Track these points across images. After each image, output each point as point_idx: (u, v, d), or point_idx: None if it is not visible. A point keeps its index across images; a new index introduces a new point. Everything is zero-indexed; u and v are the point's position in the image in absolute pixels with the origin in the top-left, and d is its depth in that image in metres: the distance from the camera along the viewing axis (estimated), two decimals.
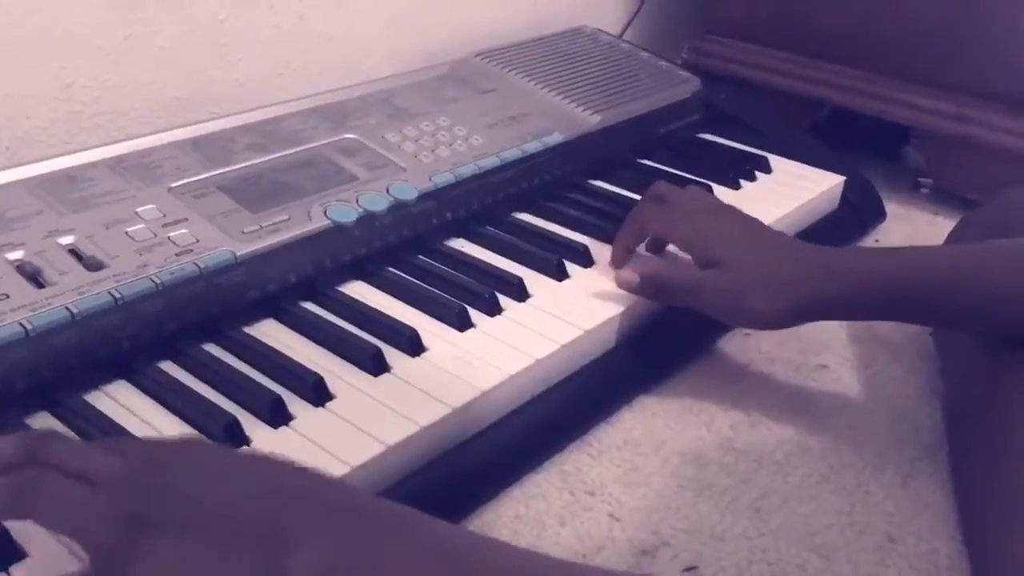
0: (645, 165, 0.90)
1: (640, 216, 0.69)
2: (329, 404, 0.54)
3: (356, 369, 0.58)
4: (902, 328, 0.74)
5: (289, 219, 0.65)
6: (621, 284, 0.67)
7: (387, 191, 0.71)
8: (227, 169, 0.69)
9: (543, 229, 0.76)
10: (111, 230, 0.60)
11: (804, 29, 1.08)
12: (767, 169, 0.91)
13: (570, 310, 0.65)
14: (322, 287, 0.65)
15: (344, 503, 0.38)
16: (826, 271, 0.60)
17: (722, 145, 0.97)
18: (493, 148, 0.80)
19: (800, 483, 0.59)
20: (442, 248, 0.72)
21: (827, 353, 0.72)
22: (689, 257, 0.66)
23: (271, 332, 0.61)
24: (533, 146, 0.82)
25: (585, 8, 1.19)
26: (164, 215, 0.63)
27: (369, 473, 0.50)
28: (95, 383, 0.55)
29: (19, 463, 0.39)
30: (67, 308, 0.54)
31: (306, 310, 0.63)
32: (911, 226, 0.95)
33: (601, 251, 0.72)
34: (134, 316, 0.56)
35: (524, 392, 0.60)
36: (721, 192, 0.85)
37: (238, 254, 0.61)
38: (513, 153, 0.80)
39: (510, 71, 0.92)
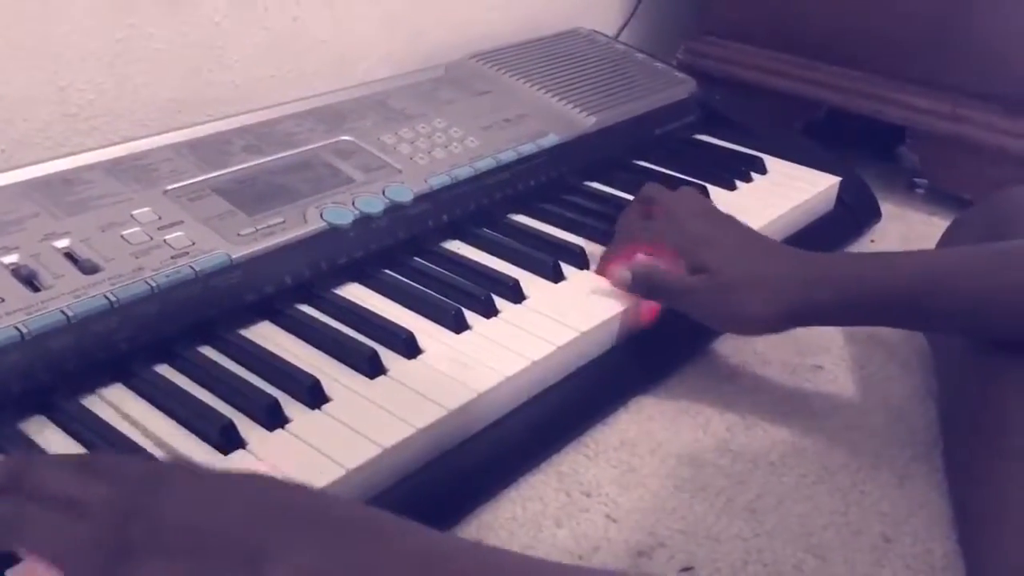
0: (641, 166, 0.91)
1: (629, 227, 0.69)
2: (325, 407, 0.54)
3: (352, 371, 0.58)
4: (897, 329, 0.74)
5: (285, 221, 0.65)
6: (615, 281, 0.67)
7: (383, 193, 0.71)
8: (223, 172, 0.69)
9: (539, 231, 0.76)
10: (107, 233, 0.60)
11: (800, 30, 1.08)
12: (762, 170, 0.91)
13: (566, 312, 0.65)
14: (318, 289, 0.65)
15: (325, 514, 0.37)
16: (815, 277, 0.60)
17: (718, 146, 0.97)
18: (489, 150, 0.80)
19: (796, 484, 0.59)
20: (438, 250, 0.72)
21: (823, 354, 0.72)
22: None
23: (267, 334, 0.61)
24: (529, 148, 0.82)
25: (581, 9, 1.19)
26: (160, 218, 0.63)
27: (365, 475, 0.50)
28: (91, 386, 0.55)
29: (1, 490, 0.39)
30: (62, 311, 0.54)
31: (302, 312, 0.63)
32: (906, 226, 0.95)
33: (597, 253, 0.72)
34: (130, 319, 0.56)
35: (520, 394, 0.60)
36: (716, 193, 0.85)
37: (234, 257, 0.61)
38: (509, 155, 0.80)
39: (506, 73, 0.92)
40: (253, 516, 0.37)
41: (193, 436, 0.51)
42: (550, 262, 0.70)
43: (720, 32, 1.15)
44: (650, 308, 0.67)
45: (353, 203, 0.69)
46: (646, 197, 0.70)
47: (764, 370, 0.70)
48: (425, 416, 0.54)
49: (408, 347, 0.60)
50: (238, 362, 0.58)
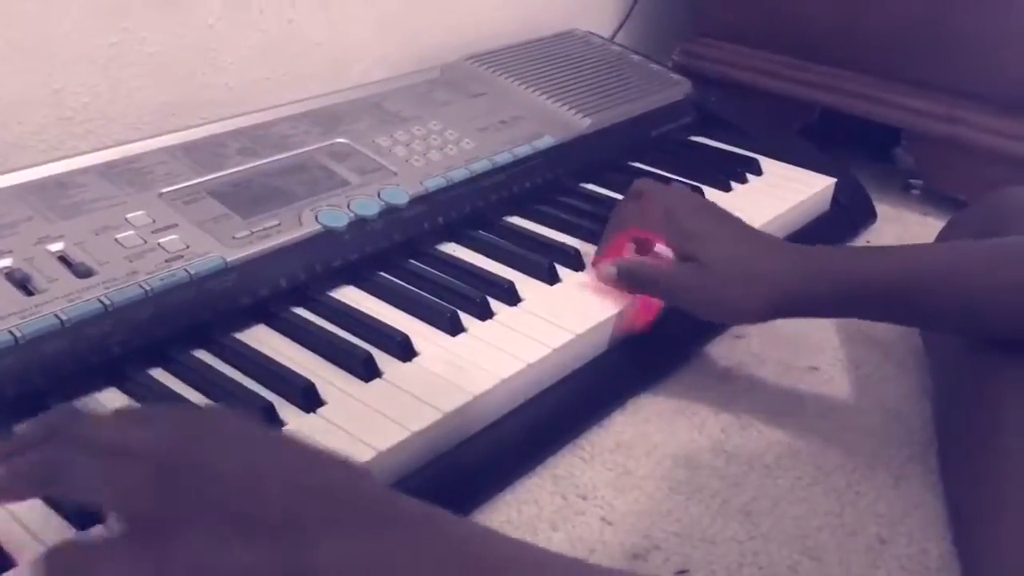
0: (636, 168, 0.90)
1: (621, 215, 0.69)
2: (320, 410, 0.54)
3: (347, 374, 0.58)
4: (893, 328, 0.74)
5: (280, 224, 0.65)
6: (601, 277, 0.67)
7: (378, 196, 0.71)
8: (217, 175, 0.69)
9: (534, 233, 0.76)
10: (101, 236, 0.60)
11: (795, 31, 1.08)
12: (758, 171, 0.91)
13: (561, 314, 0.65)
14: (313, 292, 0.65)
15: (373, 500, 0.37)
16: (806, 267, 0.60)
17: (713, 147, 0.97)
18: (484, 152, 0.80)
19: (791, 485, 0.59)
20: (433, 252, 0.72)
21: (818, 355, 0.72)
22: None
23: (262, 338, 0.61)
24: (524, 150, 0.82)
25: (576, 11, 1.19)
26: (154, 221, 0.63)
27: None
28: (85, 390, 0.54)
29: (46, 438, 0.39)
30: (56, 315, 0.54)
31: (297, 315, 0.63)
32: (902, 227, 0.95)
33: (592, 254, 0.72)
34: (124, 323, 0.56)
35: (516, 396, 0.60)
36: (712, 194, 0.85)
37: (228, 260, 0.61)
38: (504, 157, 0.80)
39: (501, 74, 0.92)
40: (300, 486, 0.37)
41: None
42: (545, 264, 0.70)
43: (716, 34, 1.15)
44: (646, 311, 0.67)
45: (348, 205, 0.69)
46: (637, 191, 0.70)
47: (759, 371, 0.70)
48: (420, 419, 0.54)
49: (403, 350, 0.60)
50: (232, 365, 0.58)
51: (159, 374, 0.57)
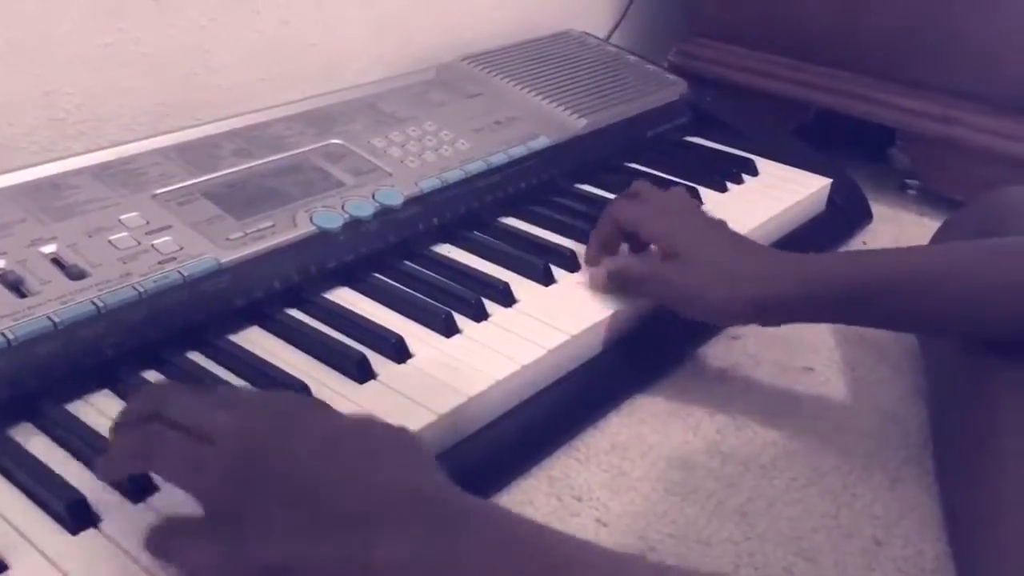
0: (632, 168, 0.90)
1: (613, 209, 0.70)
2: None
3: (341, 376, 0.57)
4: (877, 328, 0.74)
5: (274, 226, 0.65)
6: (592, 283, 0.68)
7: (373, 197, 0.71)
8: (211, 176, 0.69)
9: (530, 234, 0.76)
10: (94, 238, 0.60)
11: (791, 32, 1.08)
12: (753, 171, 0.91)
13: (557, 315, 0.65)
14: (307, 294, 0.65)
15: (440, 498, 0.39)
16: (786, 270, 0.61)
17: (708, 148, 0.97)
18: (480, 152, 0.79)
19: (786, 486, 0.59)
20: (428, 253, 0.72)
21: (813, 355, 0.72)
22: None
23: (256, 340, 0.61)
24: (520, 150, 0.82)
25: (572, 11, 1.19)
26: (148, 223, 0.62)
27: None
28: (78, 393, 0.54)
29: (144, 418, 0.42)
30: (49, 318, 0.53)
31: (291, 317, 0.63)
32: (898, 227, 0.95)
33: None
34: (117, 325, 0.55)
35: (511, 398, 0.60)
36: (707, 195, 0.85)
37: (222, 261, 0.61)
38: (500, 157, 0.80)
39: (496, 75, 0.92)
40: (370, 480, 0.39)
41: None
42: (540, 265, 0.69)
43: (711, 34, 1.15)
44: None
45: (343, 207, 0.69)
46: (634, 192, 0.70)
47: (755, 372, 0.70)
48: (415, 421, 0.54)
49: (398, 351, 0.59)
50: (226, 367, 0.57)
51: (152, 376, 0.56)
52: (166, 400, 0.43)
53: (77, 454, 0.50)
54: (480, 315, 0.64)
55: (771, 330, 0.66)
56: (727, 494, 0.58)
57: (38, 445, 0.50)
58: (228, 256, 0.61)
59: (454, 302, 0.64)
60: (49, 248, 0.59)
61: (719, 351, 0.72)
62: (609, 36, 1.22)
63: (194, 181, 0.68)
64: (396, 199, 0.71)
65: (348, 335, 0.61)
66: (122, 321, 0.56)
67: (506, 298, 0.66)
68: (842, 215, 0.92)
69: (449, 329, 0.62)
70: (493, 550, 0.37)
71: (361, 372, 0.57)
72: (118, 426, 0.44)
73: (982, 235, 0.64)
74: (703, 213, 0.69)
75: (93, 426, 0.51)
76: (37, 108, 0.76)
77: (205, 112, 0.84)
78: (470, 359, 0.60)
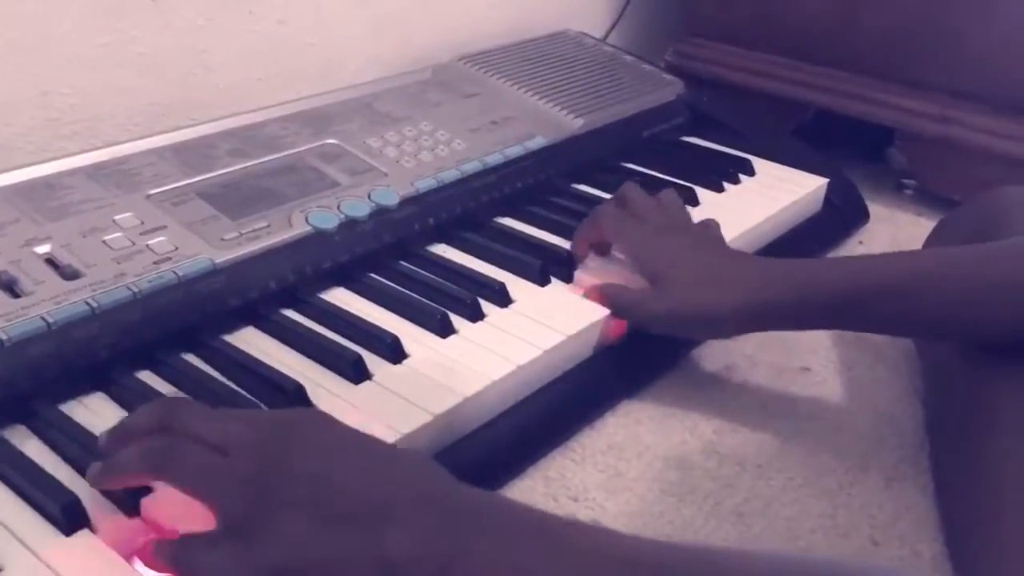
0: (628, 168, 0.90)
1: (599, 218, 0.70)
2: None
3: (337, 377, 0.57)
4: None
5: (269, 226, 0.65)
6: (585, 294, 0.68)
7: (369, 197, 0.70)
8: (207, 176, 0.68)
9: (526, 234, 0.76)
10: (88, 238, 0.60)
11: (788, 32, 1.08)
12: (750, 172, 0.91)
13: (553, 315, 0.64)
14: (303, 294, 0.64)
15: (448, 493, 0.40)
16: (774, 278, 0.61)
17: (705, 148, 0.97)
18: (476, 153, 0.79)
19: (783, 487, 0.59)
20: (424, 254, 0.71)
21: (810, 356, 0.72)
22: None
23: (251, 340, 0.60)
24: (516, 150, 0.81)
25: (569, 12, 1.19)
26: (142, 223, 0.62)
27: None
28: (72, 394, 0.54)
29: (157, 428, 0.44)
30: (43, 318, 0.53)
31: (287, 317, 0.62)
32: (895, 227, 0.95)
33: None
34: (111, 325, 0.55)
35: (507, 398, 0.60)
36: (704, 195, 0.85)
37: (217, 262, 0.61)
38: (496, 158, 0.80)
39: (493, 75, 0.92)
40: (381, 480, 0.40)
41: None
42: (536, 265, 0.69)
43: (708, 34, 1.15)
44: (618, 324, 0.67)
45: (338, 207, 0.68)
46: (622, 197, 0.70)
47: (751, 372, 0.70)
48: (410, 421, 0.54)
49: (393, 352, 0.59)
50: (221, 369, 0.57)
51: (146, 377, 0.56)
52: (178, 413, 0.44)
53: (71, 455, 0.50)
54: (476, 315, 0.64)
55: (768, 331, 0.66)
56: (724, 494, 0.58)
57: (31, 446, 0.50)
58: (223, 256, 0.61)
59: (450, 302, 0.64)
60: (43, 248, 0.58)
61: (716, 352, 0.71)
62: (606, 36, 1.22)
63: (189, 181, 0.67)
64: (392, 199, 0.71)
65: (344, 335, 0.61)
66: (116, 321, 0.56)
67: (502, 298, 0.66)
68: (839, 215, 0.92)
69: (445, 329, 0.62)
70: (505, 541, 0.37)
71: (357, 372, 0.57)
72: (124, 435, 0.45)
73: (977, 235, 0.64)
74: (691, 225, 0.68)
75: (87, 427, 0.51)
76: (33, 108, 0.76)
77: (202, 112, 0.83)
78: (466, 359, 0.59)
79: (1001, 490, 0.51)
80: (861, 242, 0.92)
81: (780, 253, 0.72)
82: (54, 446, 0.50)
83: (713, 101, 1.02)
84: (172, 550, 0.42)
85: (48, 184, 0.64)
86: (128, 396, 0.54)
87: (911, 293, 0.58)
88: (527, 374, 0.60)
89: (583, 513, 0.55)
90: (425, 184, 0.74)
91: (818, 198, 0.90)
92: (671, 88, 1.00)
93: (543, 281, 0.69)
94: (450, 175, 0.76)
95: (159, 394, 0.54)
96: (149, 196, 0.65)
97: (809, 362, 0.71)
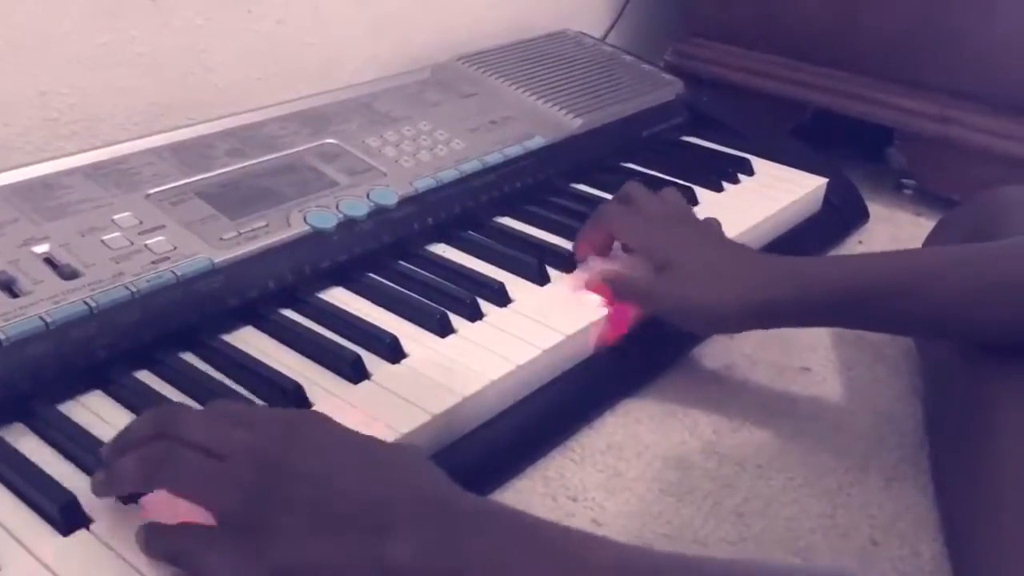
0: (628, 168, 0.90)
1: (603, 216, 0.70)
2: None
3: (336, 376, 0.57)
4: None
5: (268, 225, 0.65)
6: (588, 287, 0.67)
7: (367, 196, 0.70)
8: (205, 175, 0.68)
9: (525, 233, 0.76)
10: (87, 238, 0.60)
11: (787, 32, 1.08)
12: (749, 171, 0.91)
13: (552, 315, 0.64)
14: (302, 294, 0.64)
15: (449, 501, 0.40)
16: (777, 275, 0.61)
17: (704, 148, 0.97)
18: (475, 152, 0.79)
19: (783, 487, 0.59)
20: (423, 253, 0.71)
21: (810, 356, 0.72)
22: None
23: (250, 340, 0.60)
24: (515, 150, 0.81)
25: (568, 11, 1.19)
26: (141, 222, 0.62)
27: None
28: (70, 393, 0.54)
29: (151, 436, 0.44)
30: (41, 318, 0.53)
31: (285, 317, 0.62)
32: (894, 227, 0.95)
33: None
34: (110, 325, 0.55)
35: (506, 398, 0.60)
36: (703, 195, 0.85)
37: (216, 261, 0.61)
38: (495, 157, 0.80)
39: (492, 75, 0.92)
40: (383, 485, 0.40)
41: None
42: (535, 265, 0.69)
43: (707, 34, 1.15)
44: (618, 324, 0.66)
45: (337, 206, 0.68)
46: (625, 195, 0.70)
47: (751, 372, 0.70)
48: (409, 421, 0.54)
49: (392, 351, 0.59)
50: (219, 368, 0.57)
51: (145, 377, 0.56)
52: (176, 420, 0.44)
53: (69, 455, 0.50)
54: (475, 315, 0.64)
55: (768, 330, 0.66)
56: (723, 494, 0.58)
57: (30, 446, 0.50)
58: (222, 256, 0.61)
59: (449, 302, 0.64)
60: (42, 248, 0.58)
61: (715, 351, 0.71)
62: (605, 36, 1.22)
63: (188, 181, 0.67)
64: (391, 199, 0.71)
65: (342, 335, 0.61)
66: (115, 321, 0.55)
67: (501, 298, 0.66)
68: (838, 215, 0.92)
69: (444, 329, 0.62)
70: (504, 548, 0.37)
71: (355, 372, 0.57)
72: (123, 444, 0.44)
73: (977, 234, 0.64)
74: (694, 219, 0.69)
75: (85, 427, 0.51)
76: (32, 108, 0.76)
77: (201, 112, 0.83)
78: (465, 359, 0.59)
79: (1001, 490, 0.50)
80: (861, 242, 0.92)
81: (779, 253, 0.71)
82: (53, 446, 0.50)
83: (712, 101, 1.02)
84: (173, 539, 0.42)
85: (46, 184, 0.64)
86: (127, 396, 0.54)
87: (912, 292, 0.58)
88: (526, 374, 0.60)
89: (582, 513, 0.55)
90: (424, 184, 0.74)
91: (818, 198, 0.90)
92: (670, 88, 1.00)
93: (542, 281, 0.69)
94: (449, 175, 0.76)
95: (158, 394, 0.54)
96: (148, 196, 0.65)
97: (809, 362, 0.71)
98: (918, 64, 0.99)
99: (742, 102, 1.08)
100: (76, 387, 0.54)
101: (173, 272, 0.59)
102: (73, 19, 0.76)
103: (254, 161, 0.71)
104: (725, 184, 0.88)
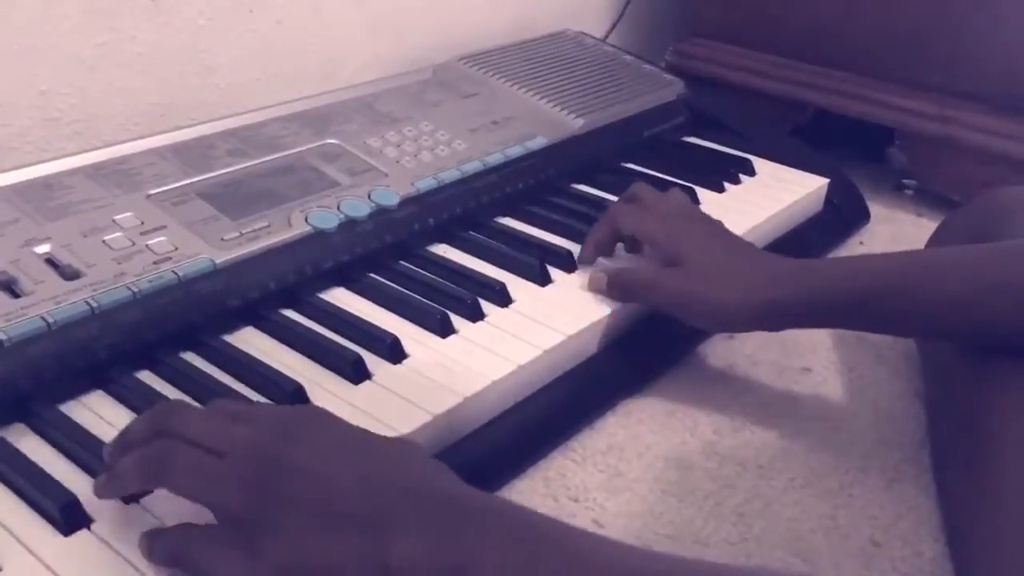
0: (629, 168, 0.90)
1: (613, 213, 0.70)
2: None
3: (337, 377, 0.57)
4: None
5: (269, 226, 0.65)
6: (592, 286, 0.67)
7: (369, 197, 0.70)
8: (207, 176, 0.68)
9: (526, 234, 0.76)
10: (88, 238, 0.60)
11: (788, 32, 1.08)
12: (751, 172, 0.91)
13: (553, 315, 0.64)
14: (303, 294, 0.64)
15: (453, 498, 0.40)
16: (782, 275, 0.61)
17: (706, 148, 0.97)
18: (476, 153, 0.79)
19: (784, 487, 0.59)
20: (424, 254, 0.71)
21: (811, 356, 0.72)
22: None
23: (251, 340, 0.60)
24: (516, 150, 0.81)
25: (569, 11, 1.19)
26: (142, 223, 0.62)
27: None
28: (71, 394, 0.54)
29: (150, 435, 0.43)
30: (43, 318, 0.53)
31: (286, 317, 0.62)
32: (895, 227, 0.95)
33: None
34: (111, 325, 0.55)
35: (507, 398, 0.60)
36: (704, 195, 0.85)
37: (217, 262, 0.61)
38: (496, 158, 0.80)
39: (493, 75, 0.92)
40: (384, 482, 0.40)
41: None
42: (536, 265, 0.69)
43: (708, 34, 1.15)
44: None
45: (338, 207, 0.68)
46: (632, 195, 0.70)
47: (752, 372, 0.70)
48: (410, 421, 0.54)
49: (393, 352, 0.59)
50: (221, 368, 0.57)
51: (146, 377, 0.56)
52: (175, 418, 0.44)
53: (70, 455, 0.50)
54: (476, 315, 0.64)
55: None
56: (724, 495, 0.58)
57: (31, 446, 0.50)
58: (223, 256, 0.61)
59: (450, 302, 0.64)
60: (43, 248, 0.58)
61: (717, 351, 0.71)
62: (606, 36, 1.22)
63: (189, 181, 0.67)
64: (392, 199, 0.71)
65: (343, 335, 0.61)
66: (116, 321, 0.55)
67: (502, 298, 0.66)
68: (839, 215, 0.92)
69: (445, 329, 0.62)
70: (508, 546, 0.37)
71: (356, 373, 0.57)
72: (123, 445, 0.44)
73: (980, 235, 0.64)
74: (704, 217, 0.69)
75: (86, 427, 0.51)
76: (32, 108, 0.76)
77: (202, 112, 0.84)
78: (466, 359, 0.59)
79: (1003, 490, 0.50)
80: (862, 242, 0.92)
81: (781, 253, 0.71)
82: (54, 446, 0.50)
83: (713, 101, 1.02)
84: (172, 541, 0.42)
85: (48, 184, 0.64)
86: (128, 396, 0.54)
87: (914, 292, 0.58)
88: (527, 374, 0.60)
89: (583, 514, 0.55)
90: (425, 184, 0.74)
91: (819, 198, 0.90)
92: (671, 88, 1.00)
93: (543, 281, 0.69)
94: (450, 175, 0.76)
95: (159, 394, 0.54)
96: (149, 196, 0.65)
97: (810, 362, 0.71)
98: (919, 64, 0.99)
99: (743, 102, 1.08)
100: (77, 387, 0.54)
101: (174, 272, 0.59)
102: (74, 19, 0.76)
103: (255, 161, 0.71)
104: (726, 184, 0.88)
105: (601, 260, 0.71)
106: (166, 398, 0.54)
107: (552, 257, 0.71)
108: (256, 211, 0.66)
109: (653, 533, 0.54)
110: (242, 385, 0.56)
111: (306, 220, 0.66)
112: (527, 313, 0.65)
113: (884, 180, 1.05)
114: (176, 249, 0.61)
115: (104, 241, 0.60)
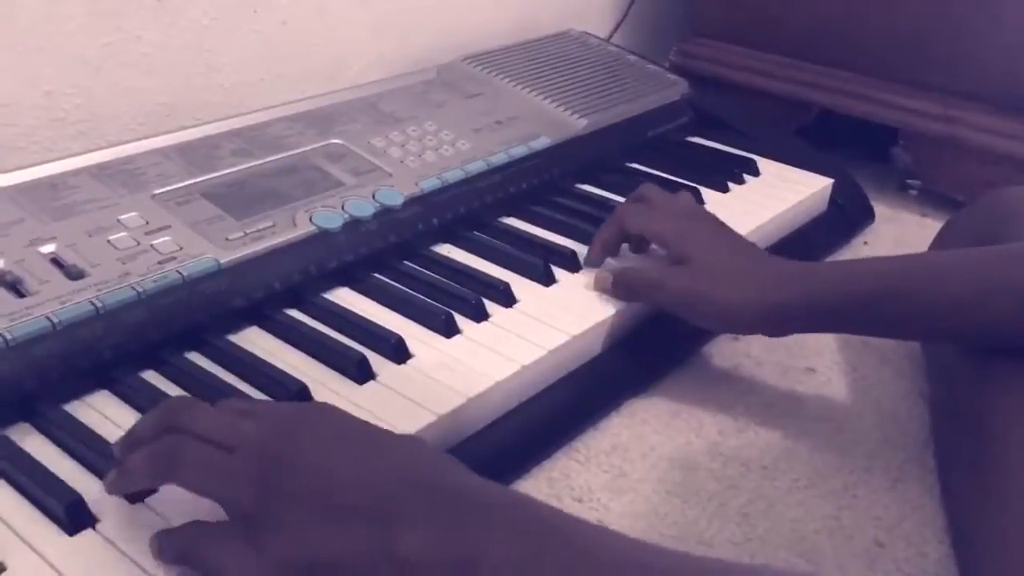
0: (633, 169, 0.90)
1: (620, 213, 0.70)
2: None
3: (341, 377, 0.57)
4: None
5: (274, 226, 0.65)
6: (597, 286, 0.67)
7: (373, 197, 0.70)
8: (211, 176, 0.69)
9: (530, 234, 0.76)
10: (93, 238, 0.60)
11: (791, 32, 1.08)
12: (755, 172, 0.91)
13: (557, 315, 0.64)
14: (307, 294, 0.64)
15: (461, 491, 0.40)
16: (787, 278, 0.61)
17: (710, 148, 0.96)
18: (480, 152, 0.79)
19: (788, 488, 0.59)
20: (429, 254, 0.71)
21: (815, 357, 0.72)
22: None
23: (255, 340, 0.60)
24: (520, 150, 0.81)
25: (573, 11, 1.19)
26: (147, 223, 0.62)
27: None
28: (76, 393, 0.54)
29: (160, 431, 0.44)
30: (47, 318, 0.53)
31: (291, 317, 0.62)
32: (900, 228, 0.95)
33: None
34: (116, 325, 0.55)
35: (511, 398, 0.60)
36: (709, 195, 0.85)
37: (222, 261, 0.61)
38: (500, 157, 0.80)
39: (497, 75, 0.92)
40: (390, 475, 0.40)
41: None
42: (541, 265, 0.69)
43: (712, 34, 1.15)
44: None
45: (343, 207, 0.68)
46: (640, 195, 0.70)
47: (757, 373, 0.70)
48: (414, 421, 0.54)
49: (398, 352, 0.59)
50: (225, 368, 0.57)
51: (151, 377, 0.56)
52: (184, 414, 0.44)
53: (75, 455, 0.50)
54: (480, 315, 0.64)
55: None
56: (728, 495, 0.58)
57: (36, 446, 0.50)
58: (228, 256, 0.61)
59: (454, 302, 0.64)
60: (48, 248, 0.58)
61: (721, 352, 0.71)
62: (610, 36, 1.22)
63: (193, 181, 0.67)
64: (396, 199, 0.71)
65: (348, 336, 0.61)
66: (121, 321, 0.56)
67: (506, 298, 0.66)
68: (844, 215, 0.92)
69: (449, 329, 0.62)
70: (515, 539, 0.37)
71: (361, 373, 0.57)
72: (133, 441, 0.45)
73: (984, 236, 0.64)
74: (712, 218, 0.68)
75: (91, 427, 0.51)
76: (37, 108, 0.76)
77: (206, 112, 0.84)
78: (470, 360, 0.59)
79: (1007, 491, 0.50)
80: (866, 242, 0.92)
81: (785, 253, 0.71)
82: (59, 446, 0.50)
83: (717, 101, 1.02)
84: (181, 538, 0.42)
85: (53, 184, 0.64)
86: (133, 396, 0.54)
87: (918, 295, 0.58)
88: (531, 374, 0.60)
89: (587, 514, 0.55)
90: (429, 184, 0.74)
91: (823, 198, 0.90)
92: (675, 88, 1.00)
93: (548, 281, 0.69)
94: (454, 175, 0.76)
95: (164, 394, 0.54)
96: (154, 196, 0.65)
97: (814, 363, 0.71)
98: (923, 64, 0.99)
99: (747, 102, 1.08)
100: (82, 387, 0.54)
101: (179, 272, 0.59)
102: (79, 19, 0.76)
103: (260, 161, 0.71)
104: (731, 184, 0.88)
105: (606, 260, 0.71)
106: (171, 398, 0.54)
107: (556, 257, 0.71)
108: (260, 211, 0.66)
109: (657, 534, 0.54)
110: (246, 385, 0.56)
111: (310, 220, 0.66)
112: (531, 313, 0.65)
113: (888, 180, 1.04)
114: (181, 249, 0.61)
115: (109, 241, 0.60)
